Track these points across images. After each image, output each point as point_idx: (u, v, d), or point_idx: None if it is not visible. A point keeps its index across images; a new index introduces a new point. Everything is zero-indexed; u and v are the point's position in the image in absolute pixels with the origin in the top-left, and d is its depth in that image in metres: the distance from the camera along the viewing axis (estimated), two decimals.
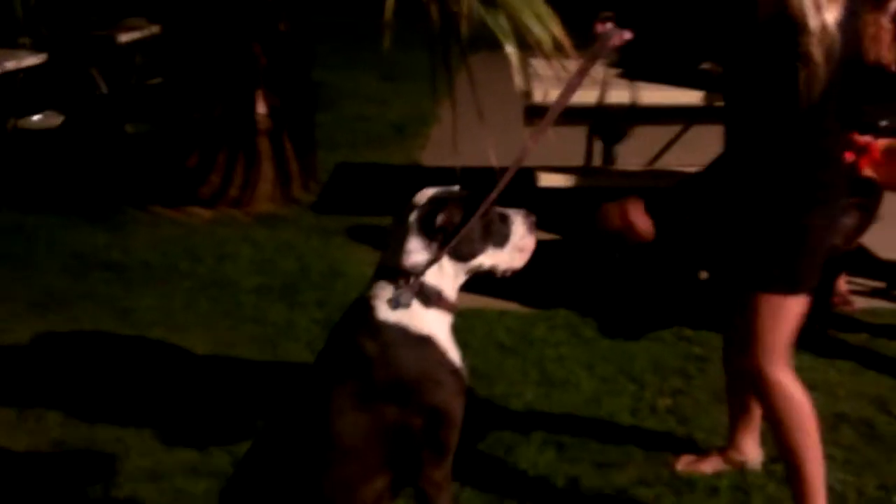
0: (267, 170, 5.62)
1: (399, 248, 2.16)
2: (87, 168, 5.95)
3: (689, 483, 2.89)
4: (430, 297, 2.16)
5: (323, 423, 2.10)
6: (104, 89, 6.96)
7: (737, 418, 2.96)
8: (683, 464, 2.99)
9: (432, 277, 2.17)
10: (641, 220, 2.57)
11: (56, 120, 6.62)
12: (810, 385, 3.38)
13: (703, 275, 4.50)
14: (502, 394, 3.45)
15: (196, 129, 5.56)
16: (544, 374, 3.60)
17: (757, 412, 2.95)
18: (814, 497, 2.57)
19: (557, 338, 3.89)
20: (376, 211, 5.47)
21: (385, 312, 2.14)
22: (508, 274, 2.31)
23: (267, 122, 5.60)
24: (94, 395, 3.43)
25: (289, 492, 2.09)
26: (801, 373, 3.42)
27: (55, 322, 4.04)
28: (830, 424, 3.20)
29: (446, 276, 2.19)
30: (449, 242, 2.17)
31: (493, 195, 2.21)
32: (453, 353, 2.20)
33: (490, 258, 2.25)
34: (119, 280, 4.48)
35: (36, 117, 6.61)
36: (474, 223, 2.21)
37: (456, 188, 2.27)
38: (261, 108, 5.59)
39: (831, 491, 2.84)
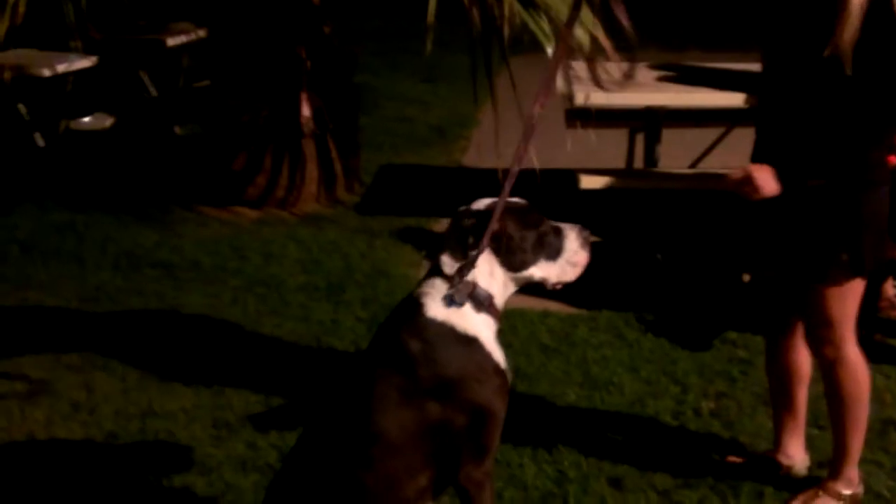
0: (312, 171, 5.70)
1: (453, 251, 2.21)
2: (136, 169, 6.08)
3: (733, 487, 2.89)
4: (482, 302, 2.19)
5: (367, 418, 2.13)
6: (153, 92, 7.10)
7: (782, 422, 2.96)
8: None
9: (484, 282, 2.21)
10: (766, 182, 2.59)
11: (106, 122, 6.76)
12: None
13: (747, 277, 4.48)
14: (545, 394, 3.47)
15: (243, 131, 5.65)
16: (587, 375, 3.62)
17: (802, 415, 2.95)
18: (853, 463, 2.76)
19: (600, 339, 3.90)
20: (419, 212, 5.54)
21: (434, 310, 2.18)
22: (559, 287, 2.34)
23: (311, 124, 5.68)
24: (145, 389, 3.51)
25: (334, 487, 2.13)
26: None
27: (105, 317, 4.14)
28: (878, 430, 3.18)
29: (496, 284, 2.23)
30: (502, 252, 2.22)
31: (505, 193, 2.22)
32: (498, 354, 2.23)
33: (541, 270, 2.28)
34: (168, 278, 4.58)
35: (87, 119, 6.75)
36: (528, 236, 2.25)
37: (516, 199, 2.30)
38: (305, 111, 5.66)
39: (879, 497, 2.85)
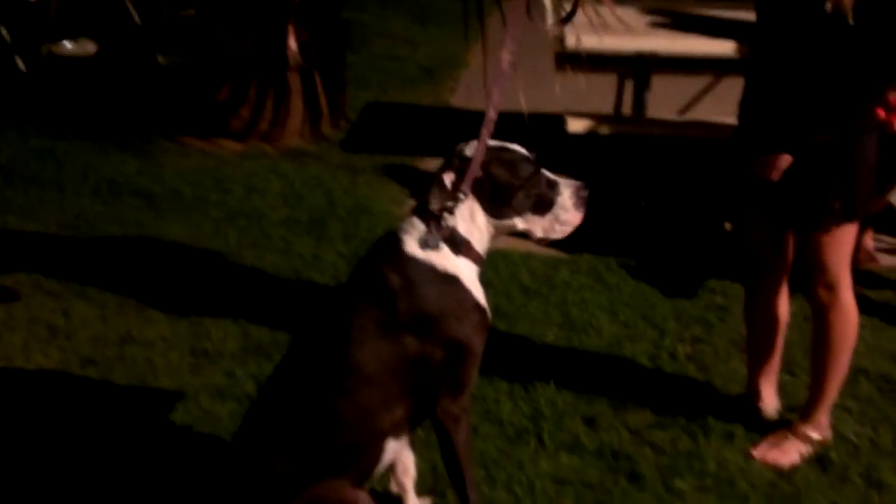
0: (297, 105, 5.63)
1: (437, 192, 2.19)
2: (118, 97, 5.99)
3: (704, 427, 2.93)
4: (459, 245, 2.19)
5: (344, 349, 2.14)
6: (137, 20, 6.95)
7: (757, 367, 3.00)
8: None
9: (463, 227, 2.20)
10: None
11: (89, 47, 6.64)
12: None
13: (728, 226, 4.50)
14: (524, 334, 3.49)
15: (227, 62, 5.56)
16: (566, 316, 3.64)
17: (777, 361, 2.99)
18: (825, 408, 2.82)
19: (581, 282, 3.92)
20: (405, 150, 5.50)
21: (413, 247, 2.18)
22: (545, 243, 2.32)
23: (298, 57, 5.60)
24: (124, 316, 3.50)
25: (310, 414, 2.15)
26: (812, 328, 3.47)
27: (85, 244, 4.12)
28: (849, 378, 3.19)
29: (477, 229, 2.22)
30: (485, 198, 2.20)
31: (483, 139, 2.18)
32: (478, 293, 2.24)
33: (526, 222, 2.26)
34: (149, 207, 4.54)
35: (69, 44, 6.63)
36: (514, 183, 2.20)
37: (512, 146, 2.26)
38: (292, 44, 5.57)
39: (846, 441, 2.89)
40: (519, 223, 2.25)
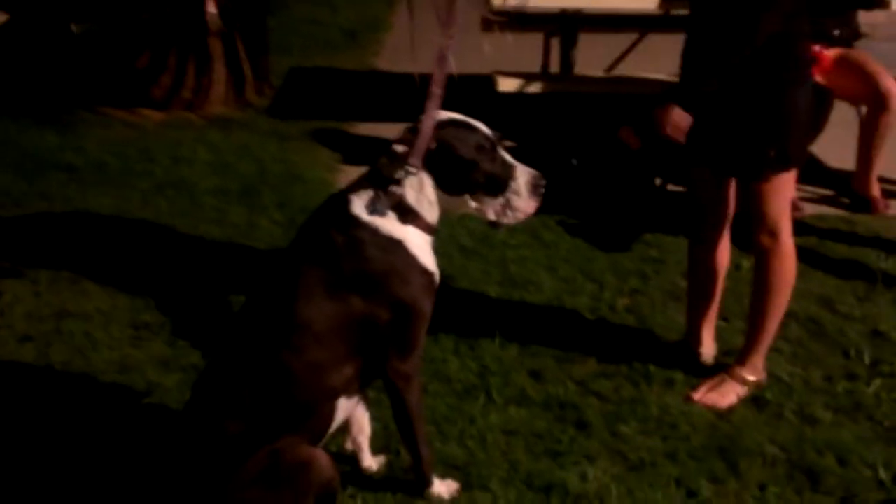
0: (219, 72, 5.53)
1: (387, 161, 2.20)
2: (33, 68, 5.77)
3: (645, 375, 3.02)
4: (406, 214, 2.21)
5: (292, 308, 2.16)
6: None
7: (696, 313, 3.10)
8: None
9: (412, 196, 2.21)
10: (686, 124, 2.68)
11: None
12: None
13: (658, 181, 4.60)
14: (466, 292, 3.52)
15: (145, 28, 5.41)
16: (507, 274, 3.69)
17: (716, 308, 3.10)
18: (761, 352, 2.93)
19: (518, 240, 3.96)
20: (333, 116, 5.45)
21: (360, 209, 2.19)
22: (498, 227, 2.31)
23: (218, 22, 5.49)
24: (58, 292, 3.42)
25: (261, 373, 2.15)
26: (752, 273, 3.59)
27: (10, 221, 3.99)
28: (781, 322, 3.34)
29: (426, 200, 2.23)
30: (435, 172, 2.21)
31: (430, 115, 2.18)
32: (426, 258, 2.26)
33: (477, 201, 2.27)
34: (74, 181, 4.42)
35: None
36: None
37: (475, 122, 2.26)
38: (211, 8, 5.46)
39: (779, 381, 3.02)
40: (470, 201, 2.26)
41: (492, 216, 2.29)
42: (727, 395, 2.90)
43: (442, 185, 2.23)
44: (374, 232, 2.19)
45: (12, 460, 2.56)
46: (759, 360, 2.94)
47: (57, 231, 3.92)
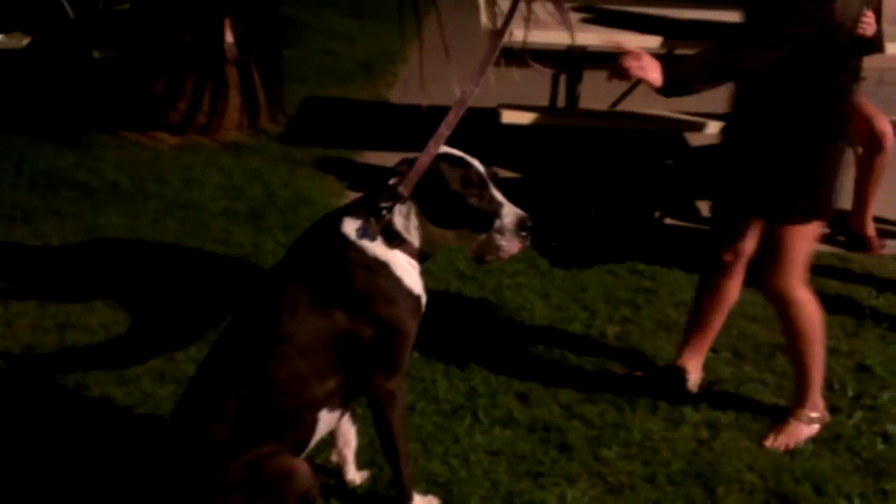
0: (234, 98, 5.66)
1: (385, 188, 2.27)
2: (53, 90, 5.94)
3: (630, 401, 3.07)
4: (393, 239, 2.28)
5: (277, 320, 2.23)
6: (70, 14, 6.89)
7: (690, 340, 3.15)
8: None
9: (400, 223, 2.28)
10: (652, 69, 2.70)
11: (22, 41, 6.56)
12: (751, 317, 3.62)
13: (657, 214, 4.67)
14: (459, 316, 3.60)
15: (164, 55, 5.57)
16: (501, 300, 3.76)
17: (711, 339, 3.16)
18: (815, 390, 2.95)
19: (515, 268, 4.03)
20: (344, 144, 5.57)
21: (350, 229, 2.27)
22: (480, 262, 2.34)
23: (234, 50, 5.63)
24: (63, 305, 3.51)
25: (245, 381, 2.21)
26: (745, 307, 3.66)
27: (22, 236, 4.11)
28: (767, 353, 3.41)
29: (411, 229, 2.30)
30: (423, 202, 2.27)
31: (430, 149, 2.26)
32: (411, 280, 2.32)
33: (459, 237, 2.31)
34: (86, 199, 4.54)
35: (2, 37, 6.55)
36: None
37: (470, 158, 2.32)
38: (228, 37, 5.61)
39: (762, 408, 3.06)
40: (452, 235, 2.30)
41: (473, 252, 2.32)
42: (795, 435, 2.93)
43: (428, 215, 2.28)
44: (361, 252, 2.26)
45: (12, 464, 2.64)
46: (816, 398, 2.96)
47: (65, 247, 4.03)
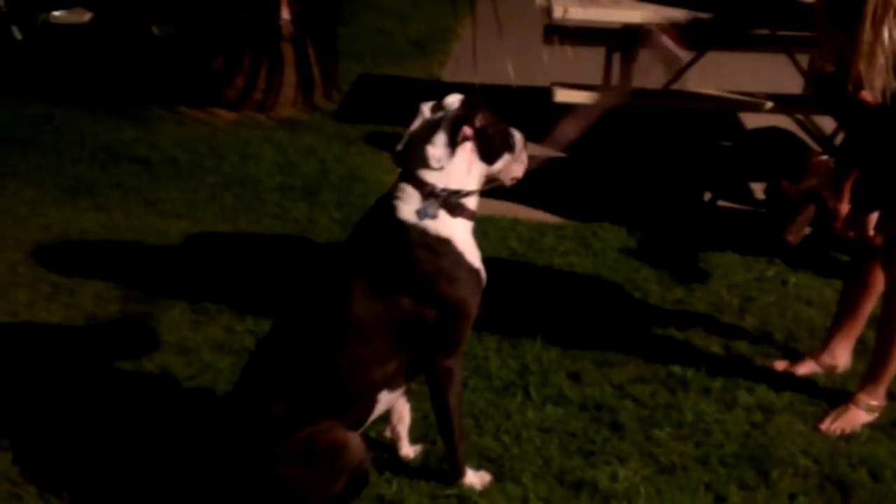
0: (290, 75, 5.71)
1: (427, 149, 2.25)
2: (114, 66, 6.05)
3: (682, 382, 3.07)
4: (455, 208, 2.30)
5: (342, 306, 2.26)
6: None
7: (840, 325, 3.14)
8: (780, 367, 3.16)
9: (459, 180, 2.30)
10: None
11: (84, 16, 6.68)
12: (807, 301, 3.59)
13: (708, 196, 4.63)
14: (511, 295, 3.61)
15: (222, 32, 5.63)
16: (552, 279, 3.76)
17: (862, 323, 3.13)
18: (886, 381, 2.91)
19: (567, 247, 4.04)
20: (397, 121, 5.58)
21: (406, 213, 2.28)
22: (512, 182, 2.49)
23: (290, 27, 5.67)
24: (125, 273, 3.61)
25: (308, 363, 2.26)
26: (801, 290, 3.62)
27: (84, 208, 4.21)
28: (822, 337, 3.35)
29: (472, 180, 2.33)
30: (482, 144, 2.33)
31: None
32: (472, 255, 2.35)
33: (504, 163, 2.41)
34: (146, 173, 4.63)
35: (64, 13, 6.67)
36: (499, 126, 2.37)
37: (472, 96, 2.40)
38: (285, 14, 5.65)
39: (817, 392, 3.05)
40: (501, 165, 2.41)
41: (514, 172, 2.46)
42: (852, 421, 2.91)
43: (485, 156, 2.36)
44: (422, 233, 2.28)
45: (73, 432, 2.73)
46: (882, 388, 2.93)
47: (126, 219, 4.12)
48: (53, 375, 2.97)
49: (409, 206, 2.28)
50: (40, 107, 5.39)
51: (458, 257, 2.31)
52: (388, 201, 2.32)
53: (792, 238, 3.89)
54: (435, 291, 2.28)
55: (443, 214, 2.29)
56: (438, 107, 2.37)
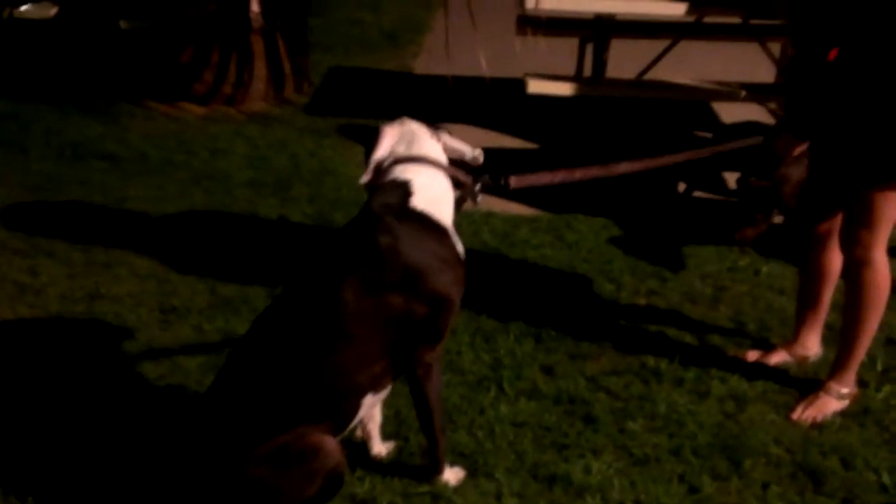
0: (260, 69, 5.66)
1: (426, 136, 2.42)
2: (81, 61, 5.96)
3: (656, 373, 3.06)
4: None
5: (332, 305, 2.19)
6: None
7: (804, 315, 3.14)
8: (752, 357, 3.16)
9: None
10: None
11: (50, 11, 6.59)
12: (779, 290, 3.59)
13: (681, 187, 4.63)
14: (485, 288, 3.58)
15: (190, 25, 5.57)
16: (526, 272, 3.75)
17: (824, 312, 3.13)
18: (854, 366, 2.94)
19: (540, 240, 4.02)
20: (369, 114, 5.55)
21: (416, 200, 2.29)
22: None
23: (260, 20, 5.62)
24: (91, 274, 3.55)
25: (289, 367, 2.20)
26: (773, 279, 3.63)
27: (50, 205, 4.15)
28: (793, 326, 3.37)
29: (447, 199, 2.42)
30: None
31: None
32: (460, 245, 2.37)
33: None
34: (114, 169, 4.57)
35: (29, 7, 6.58)
36: None
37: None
38: (254, 7, 5.59)
39: (788, 382, 3.05)
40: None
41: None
42: (824, 409, 2.91)
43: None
44: (426, 220, 2.30)
45: (38, 435, 2.68)
46: (851, 374, 2.95)
47: (93, 216, 4.06)
48: (19, 377, 2.91)
49: (422, 191, 2.33)
50: (5, 103, 5.31)
51: (451, 247, 2.33)
52: (406, 186, 2.32)
53: (742, 238, 3.93)
54: (427, 285, 2.25)
55: (449, 196, 2.39)
56: (401, 133, 2.40)
